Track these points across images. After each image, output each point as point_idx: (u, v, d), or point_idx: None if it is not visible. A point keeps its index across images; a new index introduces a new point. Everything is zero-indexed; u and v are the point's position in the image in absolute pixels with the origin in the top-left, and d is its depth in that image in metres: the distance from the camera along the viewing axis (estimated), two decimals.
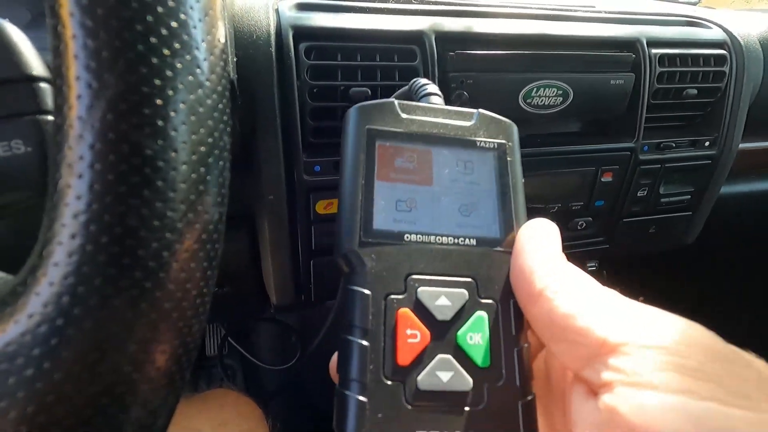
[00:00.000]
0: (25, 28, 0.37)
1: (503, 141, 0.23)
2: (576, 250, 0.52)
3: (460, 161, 0.22)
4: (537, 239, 0.20)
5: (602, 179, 0.48)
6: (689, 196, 0.53)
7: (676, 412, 0.14)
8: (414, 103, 0.23)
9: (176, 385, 0.16)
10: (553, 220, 0.52)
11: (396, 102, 0.22)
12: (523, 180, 0.23)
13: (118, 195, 0.13)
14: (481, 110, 0.23)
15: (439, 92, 0.26)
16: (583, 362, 0.17)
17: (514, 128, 0.24)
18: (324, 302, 0.45)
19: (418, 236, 0.20)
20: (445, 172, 0.22)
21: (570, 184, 0.48)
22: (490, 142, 0.23)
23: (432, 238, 0.20)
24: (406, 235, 0.20)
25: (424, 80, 0.27)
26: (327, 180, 0.38)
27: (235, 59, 0.34)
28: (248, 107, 0.36)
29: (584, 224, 0.51)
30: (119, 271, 0.13)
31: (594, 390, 0.17)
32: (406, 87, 0.28)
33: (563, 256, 0.20)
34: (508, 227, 0.21)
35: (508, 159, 0.23)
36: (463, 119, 0.23)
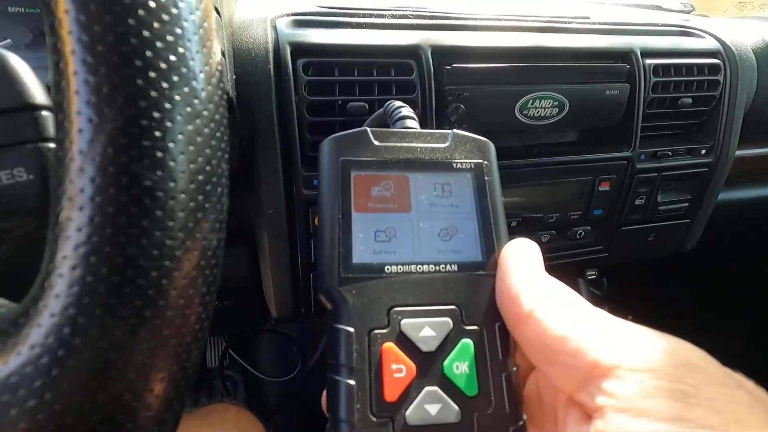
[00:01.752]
0: (27, 48, 0.38)
1: (480, 160, 0.23)
2: (575, 259, 0.52)
3: (437, 185, 0.22)
4: (520, 259, 0.20)
5: (600, 188, 0.48)
6: (687, 204, 0.53)
7: None
8: (387, 129, 0.23)
9: (175, 410, 0.16)
10: (551, 229, 0.52)
11: (369, 130, 0.22)
12: (502, 199, 0.23)
13: (118, 226, 0.13)
14: (455, 130, 0.23)
15: (413, 115, 0.26)
16: (577, 385, 0.17)
17: (491, 146, 0.24)
18: (324, 314, 0.45)
19: (399, 267, 0.20)
20: (422, 198, 0.22)
21: (568, 193, 0.48)
22: (466, 162, 0.23)
23: (413, 267, 0.20)
24: (386, 267, 0.20)
25: (397, 103, 0.27)
26: None
27: (233, 76, 0.35)
28: (247, 123, 0.36)
29: (583, 233, 0.51)
30: (119, 301, 0.13)
31: (588, 413, 0.17)
32: (381, 110, 0.28)
33: (547, 275, 0.20)
34: (490, 249, 0.21)
35: (486, 178, 0.22)
36: (438, 141, 0.23)
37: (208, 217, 0.15)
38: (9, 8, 0.37)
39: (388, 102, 0.27)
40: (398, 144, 0.22)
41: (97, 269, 0.13)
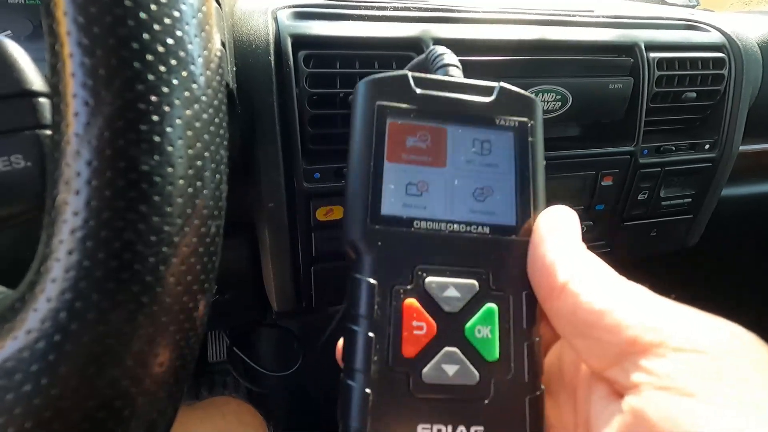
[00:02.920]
0: (27, 39, 0.38)
1: (525, 119, 0.21)
2: None
3: (477, 141, 0.21)
4: (557, 228, 0.19)
5: (602, 183, 0.48)
6: (690, 199, 0.53)
7: (713, 424, 0.13)
8: (429, 76, 0.22)
9: (174, 398, 0.16)
10: None
11: (410, 74, 0.21)
12: (544, 162, 0.21)
13: (115, 210, 0.13)
14: (502, 84, 0.22)
15: (458, 63, 0.24)
16: (609, 361, 0.16)
17: (538, 105, 0.22)
18: (325, 308, 0.45)
19: (428, 223, 0.19)
20: (460, 153, 0.21)
21: (570, 188, 0.48)
22: (510, 120, 0.21)
23: (443, 225, 0.19)
24: (415, 222, 0.19)
25: (441, 48, 0.25)
26: (327, 187, 0.39)
27: (234, 68, 0.35)
28: (247, 115, 0.36)
29: (585, 228, 0.50)
30: (116, 286, 0.13)
31: (618, 391, 0.16)
32: (423, 56, 0.26)
33: (584, 247, 0.19)
34: (525, 215, 0.20)
35: (530, 139, 0.21)
36: (482, 94, 0.21)
37: (207, 203, 0.15)
38: (9, 0, 0.37)
39: (431, 48, 0.26)
40: (439, 93, 0.21)
41: (93, 254, 0.13)
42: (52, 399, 0.13)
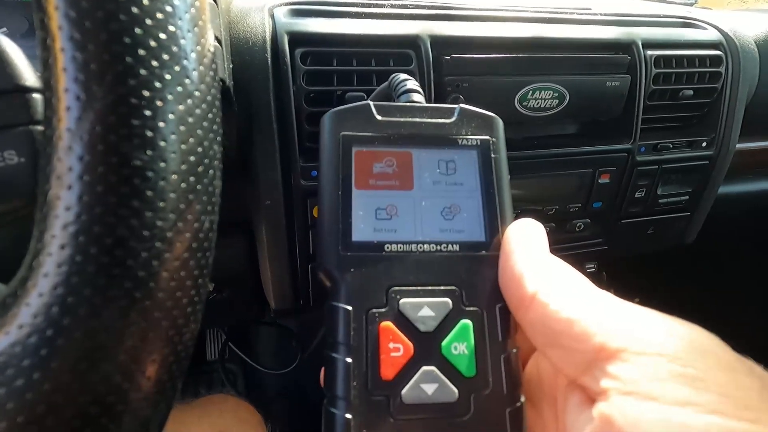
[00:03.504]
0: (23, 37, 0.37)
1: (486, 137, 0.22)
2: (574, 252, 0.52)
3: (441, 161, 0.21)
4: (524, 240, 0.20)
5: (599, 181, 0.48)
6: (687, 197, 0.53)
7: (675, 426, 0.14)
8: (390, 103, 0.23)
9: (168, 394, 0.16)
10: (551, 222, 0.52)
11: (371, 104, 0.22)
12: (509, 177, 0.22)
13: (107, 205, 0.13)
14: (462, 105, 0.22)
15: (419, 88, 0.25)
16: (580, 369, 0.17)
17: (499, 122, 0.23)
18: (322, 306, 0.45)
19: (399, 246, 0.20)
20: (425, 175, 0.21)
21: (567, 186, 0.48)
22: (472, 138, 0.22)
23: (413, 246, 0.20)
24: (386, 246, 0.20)
25: (403, 76, 0.26)
26: None
27: (230, 66, 0.35)
28: (244, 113, 0.36)
29: (582, 226, 0.50)
30: (109, 281, 0.13)
31: (591, 397, 0.17)
32: (385, 84, 0.27)
33: (552, 257, 0.19)
34: (494, 230, 0.21)
35: (493, 156, 0.22)
36: (443, 116, 0.22)
37: (200, 198, 0.15)
38: None
39: (393, 75, 0.26)
40: (402, 119, 0.22)
41: (86, 249, 0.13)
42: (44, 394, 0.13)
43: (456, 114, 0.22)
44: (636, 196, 0.51)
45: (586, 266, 0.57)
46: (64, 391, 0.13)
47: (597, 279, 0.59)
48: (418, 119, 0.22)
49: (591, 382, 0.16)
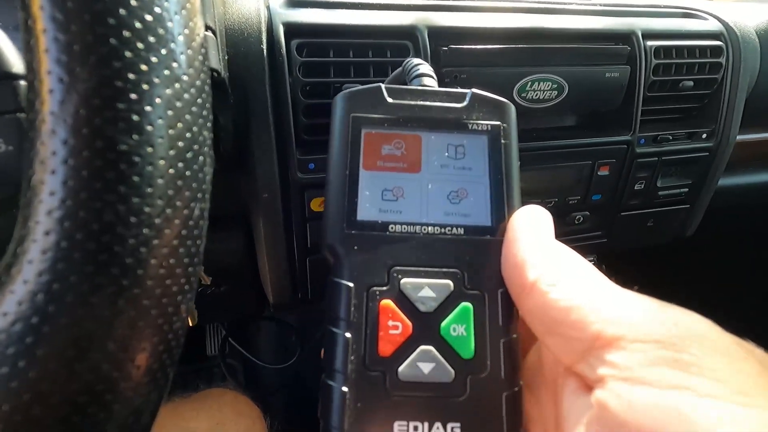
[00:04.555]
0: (15, 29, 0.37)
1: (497, 122, 0.22)
2: (573, 245, 0.51)
3: (450, 146, 0.21)
4: (529, 227, 0.20)
5: (599, 173, 0.48)
6: (687, 189, 0.53)
7: (669, 410, 0.14)
8: (402, 86, 0.23)
9: (159, 384, 0.15)
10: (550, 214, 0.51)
11: (383, 87, 0.22)
12: (519, 163, 0.22)
13: (92, 191, 0.13)
14: (474, 90, 0.22)
15: (432, 73, 0.25)
16: (577, 356, 0.17)
17: (511, 108, 0.22)
18: (321, 300, 0.45)
19: (404, 226, 0.20)
20: (434, 158, 0.21)
21: (566, 178, 0.47)
22: (483, 124, 0.22)
23: (418, 228, 0.20)
24: (390, 226, 0.20)
25: (416, 60, 0.26)
26: (321, 177, 0.38)
27: (226, 57, 0.34)
28: (240, 105, 0.36)
29: (582, 218, 0.50)
30: (95, 268, 0.13)
31: (588, 384, 0.17)
32: (399, 69, 0.27)
33: (557, 244, 0.19)
34: (500, 215, 0.21)
35: (503, 142, 0.22)
36: (454, 101, 0.22)
37: (190, 185, 0.15)
38: None
39: (407, 59, 0.27)
40: (412, 102, 0.22)
41: (71, 235, 0.13)
42: (30, 382, 0.13)
43: (467, 99, 0.22)
44: (635, 188, 0.50)
45: (586, 259, 0.57)
46: (51, 380, 0.13)
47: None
48: (428, 103, 0.22)
49: (587, 369, 0.17)
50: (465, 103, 0.22)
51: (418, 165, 0.21)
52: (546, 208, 0.50)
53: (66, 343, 0.13)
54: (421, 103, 0.22)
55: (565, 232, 0.50)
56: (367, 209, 0.20)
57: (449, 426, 0.18)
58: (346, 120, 0.21)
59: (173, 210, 0.14)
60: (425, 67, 0.25)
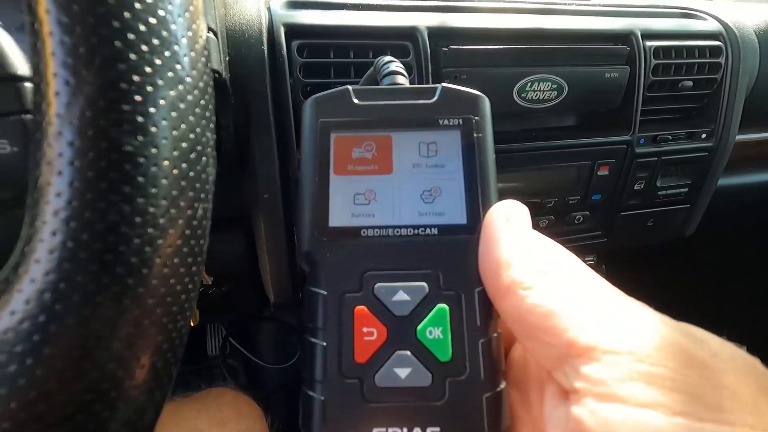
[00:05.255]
0: (18, 30, 0.37)
1: (469, 116, 0.21)
2: (574, 245, 0.52)
3: (422, 144, 0.21)
4: (505, 224, 0.19)
5: (599, 173, 0.48)
6: (687, 189, 0.53)
7: (641, 427, 0.14)
8: (371, 87, 0.23)
9: (163, 382, 0.16)
10: (550, 214, 0.52)
11: (350, 89, 0.21)
12: (494, 157, 0.21)
13: (98, 191, 0.13)
14: (444, 84, 0.22)
15: (402, 70, 0.24)
16: (554, 363, 0.16)
17: (483, 100, 0.22)
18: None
19: (376, 230, 0.20)
20: (405, 158, 0.21)
21: (566, 178, 0.48)
22: (454, 118, 0.21)
23: (390, 231, 0.20)
24: (363, 230, 0.20)
25: (387, 58, 0.26)
26: None
27: (227, 58, 0.34)
28: (241, 106, 0.36)
29: (581, 218, 0.50)
30: (101, 268, 0.13)
31: (566, 391, 0.16)
32: (372, 69, 0.27)
33: (535, 239, 0.18)
34: (475, 212, 0.20)
35: (476, 135, 0.21)
36: (424, 97, 0.21)
37: (193, 185, 0.15)
38: None
39: (378, 58, 0.26)
40: (381, 102, 0.21)
41: (77, 235, 0.13)
42: (37, 380, 0.13)
43: (437, 94, 0.21)
44: (635, 188, 0.50)
45: (586, 259, 0.57)
46: (57, 378, 0.13)
47: (596, 272, 0.59)
48: (397, 102, 0.21)
49: (563, 378, 0.16)
50: (435, 99, 0.21)
51: (390, 166, 0.21)
52: (546, 208, 0.51)
53: (72, 341, 0.13)
54: (390, 102, 0.21)
55: (565, 232, 0.50)
56: (338, 215, 0.20)
57: (429, 430, 0.18)
58: (314, 125, 0.21)
59: (177, 210, 0.15)
60: (395, 65, 0.25)
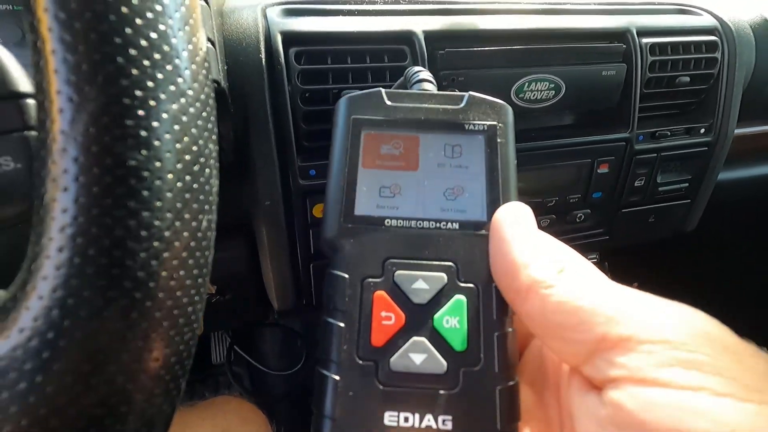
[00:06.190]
0: (16, 45, 0.37)
1: (494, 122, 0.22)
2: (575, 243, 0.52)
3: (447, 145, 0.22)
4: (513, 225, 0.19)
5: (598, 171, 0.48)
6: (687, 184, 0.53)
7: (688, 410, 0.14)
8: (401, 90, 0.24)
9: (171, 394, 0.16)
10: (551, 213, 0.52)
11: (383, 91, 0.23)
12: (515, 162, 0.22)
13: (103, 207, 0.13)
14: (471, 93, 0.23)
15: (431, 78, 0.26)
16: (582, 359, 0.17)
17: (508, 109, 0.23)
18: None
19: (399, 221, 0.21)
20: (431, 157, 0.22)
21: (566, 177, 0.48)
22: (479, 124, 0.22)
23: (413, 222, 0.21)
24: (386, 220, 0.21)
25: (417, 68, 0.27)
26: (322, 183, 0.38)
27: (225, 67, 0.35)
28: (240, 114, 0.36)
29: (583, 216, 0.50)
30: (108, 283, 0.13)
31: (596, 385, 0.17)
32: (402, 78, 0.29)
33: (543, 239, 0.19)
34: (494, 210, 0.21)
35: (499, 140, 0.22)
36: (452, 103, 0.23)
37: (197, 197, 0.15)
38: None
39: (409, 68, 0.28)
40: (411, 105, 0.23)
41: (84, 250, 0.13)
42: (47, 396, 0.13)
43: (465, 101, 0.23)
44: (635, 184, 0.50)
45: (588, 257, 0.57)
46: (67, 393, 0.13)
47: (599, 269, 0.59)
48: (426, 105, 0.23)
49: (594, 371, 0.16)
50: (462, 105, 0.23)
51: (416, 164, 0.22)
52: (547, 207, 0.51)
53: (82, 356, 0.13)
54: (419, 105, 0.23)
55: (566, 231, 0.50)
56: (364, 204, 0.21)
57: (440, 418, 0.18)
58: (347, 122, 0.22)
59: (182, 223, 0.15)
60: (425, 73, 0.26)
